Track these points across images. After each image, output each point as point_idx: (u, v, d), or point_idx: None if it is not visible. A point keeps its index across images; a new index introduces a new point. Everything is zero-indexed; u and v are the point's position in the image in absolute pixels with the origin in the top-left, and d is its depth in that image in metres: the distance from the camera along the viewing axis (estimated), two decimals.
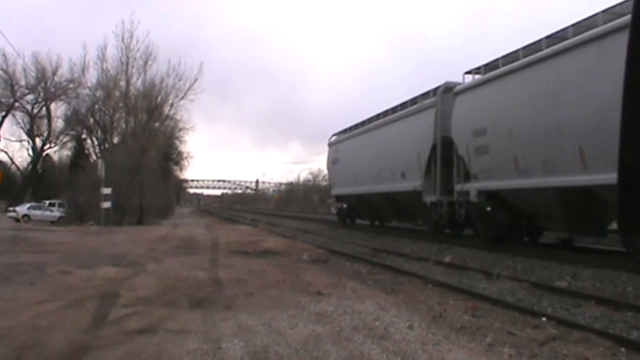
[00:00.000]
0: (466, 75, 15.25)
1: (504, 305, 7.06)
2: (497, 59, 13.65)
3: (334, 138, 28.31)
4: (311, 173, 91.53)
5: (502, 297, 7.80)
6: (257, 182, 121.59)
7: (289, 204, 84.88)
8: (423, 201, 16.81)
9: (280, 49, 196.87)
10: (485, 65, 14.22)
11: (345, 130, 26.68)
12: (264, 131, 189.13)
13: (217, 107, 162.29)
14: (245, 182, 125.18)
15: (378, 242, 17.61)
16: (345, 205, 26.82)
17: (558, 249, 12.53)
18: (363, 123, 23.80)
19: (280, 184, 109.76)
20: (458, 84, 15.66)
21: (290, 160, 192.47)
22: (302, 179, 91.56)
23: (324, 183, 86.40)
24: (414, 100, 18.71)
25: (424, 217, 18.28)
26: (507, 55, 13.17)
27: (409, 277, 9.93)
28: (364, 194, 22.57)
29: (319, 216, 43.11)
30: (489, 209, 13.63)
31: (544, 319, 6.28)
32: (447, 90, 16.10)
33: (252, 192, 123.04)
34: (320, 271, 10.83)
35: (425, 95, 17.79)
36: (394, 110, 20.48)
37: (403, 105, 19.67)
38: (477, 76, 14.69)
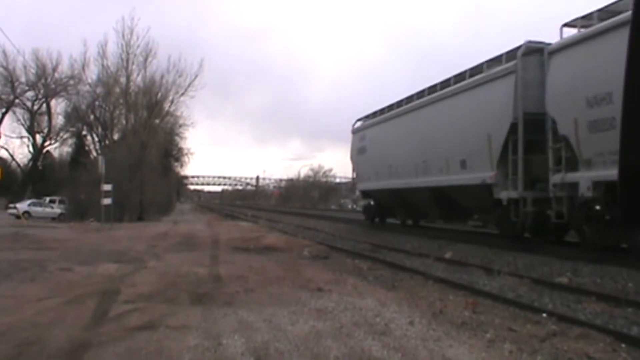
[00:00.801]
0: (565, 29, 11.96)
1: (505, 302, 7.06)
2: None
3: (359, 123, 24.06)
4: (311, 169, 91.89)
5: (503, 293, 7.81)
6: (257, 178, 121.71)
7: (289, 201, 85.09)
8: (495, 198, 13.37)
9: (280, 46, 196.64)
10: (600, 10, 11.00)
11: (375, 114, 22.37)
12: (265, 128, 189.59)
13: (217, 103, 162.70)
14: (246, 178, 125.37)
15: (379, 238, 17.60)
16: (373, 202, 23.29)
17: None
18: (400, 103, 19.71)
19: (281, 180, 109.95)
20: (545, 43, 12.46)
21: (291, 157, 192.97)
22: (302, 175, 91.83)
23: (324, 179, 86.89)
24: (476, 69, 14.95)
25: (490, 218, 15.12)
26: None
27: (409, 273, 9.92)
28: (402, 189, 18.82)
29: (319, 212, 43.19)
30: (598, 207, 10.64)
31: (544, 315, 6.27)
32: (531, 52, 12.69)
33: (253, 188, 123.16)
34: (320, 267, 10.82)
35: (494, 60, 14.10)
36: (445, 83, 16.33)
37: (460, 76, 15.63)
38: (584, 30, 11.41)
